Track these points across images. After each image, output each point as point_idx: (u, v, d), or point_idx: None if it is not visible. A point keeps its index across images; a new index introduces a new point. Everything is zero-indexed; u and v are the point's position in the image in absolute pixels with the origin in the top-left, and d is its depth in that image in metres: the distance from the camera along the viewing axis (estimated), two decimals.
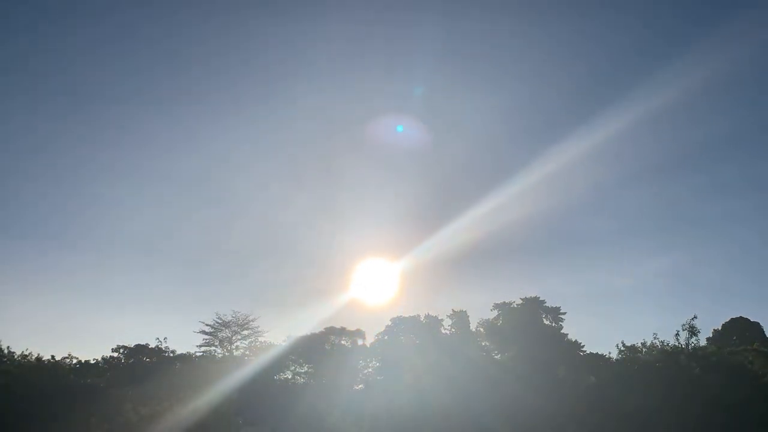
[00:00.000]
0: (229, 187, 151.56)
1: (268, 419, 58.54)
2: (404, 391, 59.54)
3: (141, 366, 63.67)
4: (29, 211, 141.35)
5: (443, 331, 69.92)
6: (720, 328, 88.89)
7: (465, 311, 71.55)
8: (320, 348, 69.25)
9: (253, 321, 75.21)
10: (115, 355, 65.92)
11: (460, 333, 69.96)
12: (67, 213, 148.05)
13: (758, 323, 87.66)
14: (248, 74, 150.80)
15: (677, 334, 61.46)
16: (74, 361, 59.89)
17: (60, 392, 49.85)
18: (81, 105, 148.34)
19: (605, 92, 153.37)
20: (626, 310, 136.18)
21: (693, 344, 61.21)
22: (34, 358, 56.46)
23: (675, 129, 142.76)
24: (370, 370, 68.88)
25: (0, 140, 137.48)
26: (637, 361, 60.85)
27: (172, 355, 66.87)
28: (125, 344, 66.74)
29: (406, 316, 70.73)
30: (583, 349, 68.71)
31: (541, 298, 71.43)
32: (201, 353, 71.47)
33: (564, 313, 71.00)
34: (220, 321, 74.58)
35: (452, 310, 71.61)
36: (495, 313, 71.68)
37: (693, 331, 61.09)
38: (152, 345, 66.91)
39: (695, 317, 61.67)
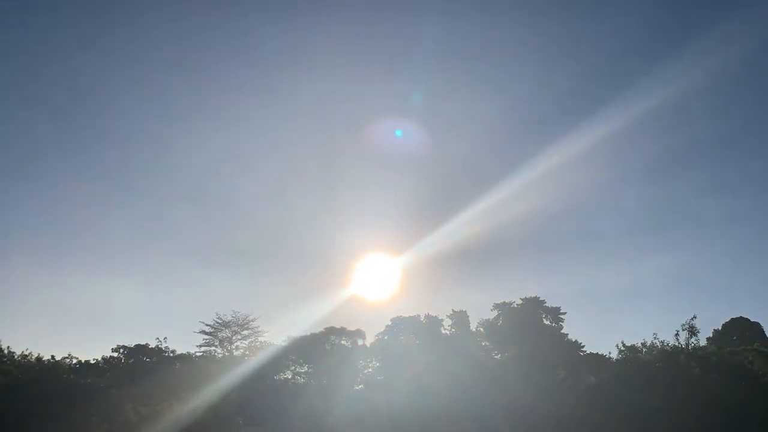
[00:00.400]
0: (229, 186, 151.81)
1: (268, 419, 58.51)
2: (404, 392, 59.51)
3: (141, 366, 63.68)
4: (29, 211, 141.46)
5: (443, 331, 69.94)
6: (720, 328, 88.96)
7: (465, 311, 71.66)
8: (320, 348, 69.22)
9: (253, 321, 75.37)
10: (115, 355, 65.95)
11: (460, 333, 70.00)
12: (67, 213, 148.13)
13: (758, 323, 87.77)
14: (248, 73, 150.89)
15: (677, 334, 61.48)
16: (74, 361, 59.88)
17: (60, 392, 49.78)
18: (80, 103, 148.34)
19: (603, 91, 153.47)
20: (626, 310, 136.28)
21: (693, 344, 61.20)
22: (34, 358, 56.44)
23: (673, 127, 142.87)
24: (370, 370, 68.85)
25: (0, 140, 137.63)
26: (637, 361, 60.81)
27: (172, 355, 66.87)
28: (125, 344, 66.82)
29: (406, 316, 70.82)
30: (583, 349, 68.78)
31: (541, 298, 71.56)
32: (201, 353, 71.59)
33: (564, 313, 71.10)
34: (220, 321, 74.72)
35: (452, 310, 71.76)
36: (495, 313, 71.77)
37: (693, 331, 61.08)
38: (152, 345, 66.97)
39: (695, 317, 61.69)
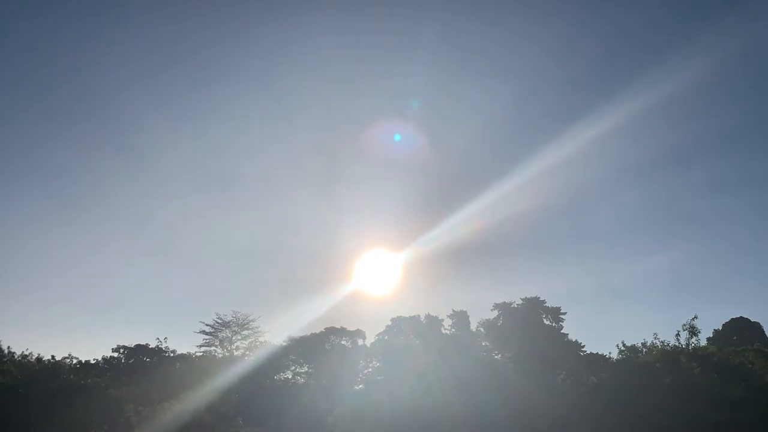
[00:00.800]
0: (230, 186, 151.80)
1: (268, 419, 58.50)
2: (405, 391, 59.49)
3: (141, 366, 63.69)
4: (29, 211, 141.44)
5: (443, 331, 70.00)
6: (720, 328, 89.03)
7: (465, 311, 71.78)
8: (320, 348, 69.30)
9: (253, 321, 75.41)
10: (115, 355, 66.02)
11: (460, 333, 70.04)
12: (67, 212, 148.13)
13: (758, 323, 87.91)
14: (247, 72, 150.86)
15: (677, 334, 61.37)
16: (74, 361, 59.87)
17: (60, 392, 49.67)
18: (79, 102, 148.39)
19: (600, 90, 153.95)
20: (626, 310, 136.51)
21: (693, 344, 61.11)
22: (34, 358, 56.38)
23: (672, 125, 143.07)
24: (370, 370, 68.87)
25: (0, 139, 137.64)
26: (637, 361, 60.77)
27: (172, 355, 66.88)
28: (125, 344, 66.86)
29: (407, 315, 70.89)
30: (583, 349, 68.82)
31: (541, 298, 71.59)
32: (201, 353, 71.57)
33: (564, 313, 71.15)
34: (220, 321, 74.81)
35: (452, 309, 71.91)
36: (495, 313, 71.82)
37: (693, 331, 60.94)
38: (152, 345, 66.98)
39: (696, 317, 61.61)
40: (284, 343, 70.60)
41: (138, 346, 66.59)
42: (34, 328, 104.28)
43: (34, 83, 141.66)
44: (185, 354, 68.32)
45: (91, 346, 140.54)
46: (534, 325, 69.08)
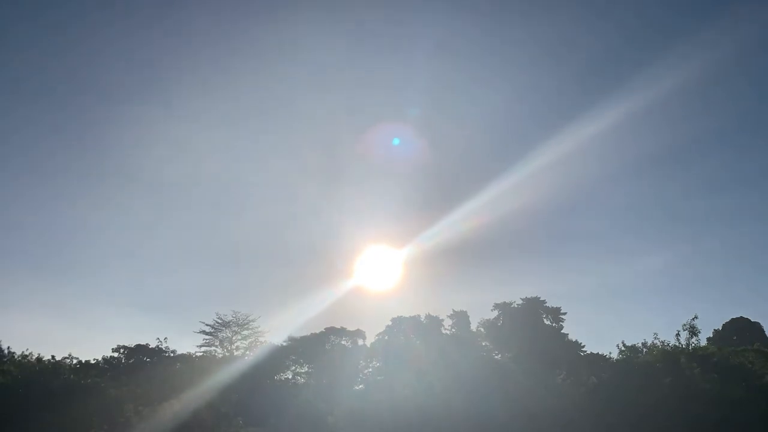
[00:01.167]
0: (229, 186, 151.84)
1: (268, 419, 58.46)
2: (405, 392, 59.50)
3: (141, 366, 63.60)
4: (29, 211, 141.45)
5: (444, 331, 70.01)
6: (720, 328, 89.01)
7: (465, 311, 71.85)
8: (320, 348, 69.26)
9: (253, 321, 75.36)
10: (115, 355, 65.90)
11: (460, 333, 70.06)
12: (67, 212, 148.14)
13: (758, 323, 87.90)
14: (247, 72, 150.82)
15: (678, 334, 61.40)
16: (74, 361, 59.80)
17: (60, 392, 49.68)
18: (79, 104, 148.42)
19: (597, 88, 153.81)
20: (626, 310, 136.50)
21: (693, 344, 61.11)
22: (34, 358, 56.36)
23: (671, 123, 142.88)
24: (370, 370, 68.86)
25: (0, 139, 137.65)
26: (638, 361, 60.79)
27: (172, 355, 66.77)
28: (125, 344, 66.76)
29: (407, 315, 70.90)
30: (584, 349, 68.84)
31: (541, 298, 71.62)
32: (201, 353, 71.50)
33: (564, 313, 71.22)
34: (220, 321, 74.76)
35: (452, 310, 71.97)
36: (495, 313, 71.88)
37: (693, 331, 60.95)
38: (152, 345, 66.89)
39: (696, 317, 61.62)
40: (284, 343, 70.58)
41: (138, 346, 66.50)
42: (34, 328, 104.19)
43: (32, 80, 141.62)
44: (185, 354, 68.24)
45: (91, 346, 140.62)
46: (534, 325, 69.11)
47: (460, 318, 71.17)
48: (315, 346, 69.10)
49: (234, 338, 74.94)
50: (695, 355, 59.70)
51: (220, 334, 74.54)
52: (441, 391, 58.25)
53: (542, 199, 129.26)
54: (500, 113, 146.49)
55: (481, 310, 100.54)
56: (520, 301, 71.46)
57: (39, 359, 56.39)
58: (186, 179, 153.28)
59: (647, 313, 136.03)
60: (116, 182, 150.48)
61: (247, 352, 72.49)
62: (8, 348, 61.22)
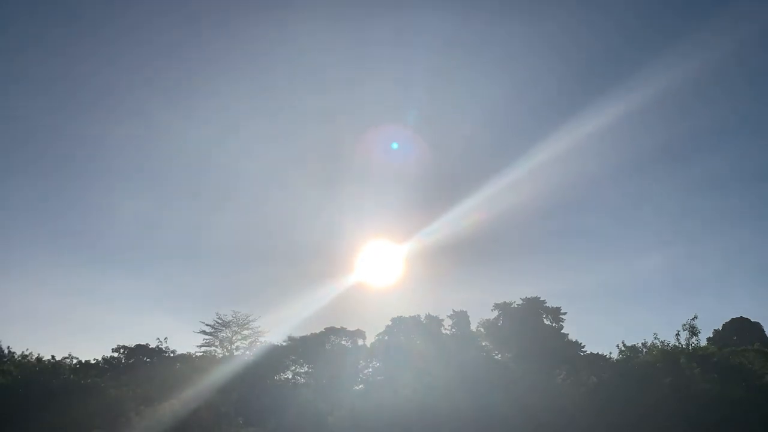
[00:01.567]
0: (229, 185, 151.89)
1: (268, 419, 58.45)
2: (405, 392, 59.51)
3: (141, 366, 63.57)
4: (29, 211, 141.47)
5: (444, 331, 70.00)
6: (720, 328, 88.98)
7: (465, 311, 71.81)
8: (320, 348, 69.23)
9: (253, 321, 75.30)
10: (115, 355, 65.84)
11: (460, 333, 70.05)
12: (67, 212, 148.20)
13: (758, 323, 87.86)
14: (246, 72, 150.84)
15: (678, 334, 61.49)
16: (74, 361, 59.83)
17: (60, 392, 49.72)
18: (78, 102, 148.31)
19: (597, 84, 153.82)
20: (626, 310, 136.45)
21: (693, 344, 61.17)
22: (34, 358, 56.38)
23: (671, 121, 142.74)
24: (370, 370, 68.85)
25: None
26: (638, 361, 60.83)
27: (172, 355, 66.73)
28: (125, 344, 66.72)
29: (407, 316, 70.89)
30: (584, 349, 68.86)
31: (541, 298, 71.64)
32: (201, 353, 71.45)
33: (564, 313, 71.25)
34: (220, 321, 74.65)
35: (452, 310, 71.93)
36: (495, 313, 71.90)
37: (693, 331, 61.06)
38: (152, 345, 66.85)
39: (696, 317, 61.71)
40: (284, 343, 70.56)
41: (138, 346, 66.43)
42: (34, 328, 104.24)
43: (28, 78, 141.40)
44: (185, 354, 68.18)
45: (91, 346, 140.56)
46: (534, 325, 69.13)
47: (460, 318, 71.16)
48: (315, 346, 69.07)
49: (234, 338, 74.87)
50: (695, 355, 59.76)
51: (220, 334, 74.47)
52: (441, 391, 58.26)
53: (541, 196, 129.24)
54: (500, 111, 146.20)
55: (481, 310, 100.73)
56: (520, 301, 71.50)
57: (39, 359, 56.44)
58: (186, 179, 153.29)
59: (647, 313, 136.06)
60: (116, 182, 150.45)
61: (247, 353, 72.46)
62: (8, 348, 61.23)
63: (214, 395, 55.32)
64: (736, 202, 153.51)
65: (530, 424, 54.52)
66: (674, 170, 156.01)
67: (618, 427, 53.52)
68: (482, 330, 71.42)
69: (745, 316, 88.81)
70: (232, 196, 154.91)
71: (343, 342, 70.41)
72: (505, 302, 71.68)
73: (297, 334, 71.37)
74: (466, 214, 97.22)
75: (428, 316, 70.34)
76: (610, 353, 65.34)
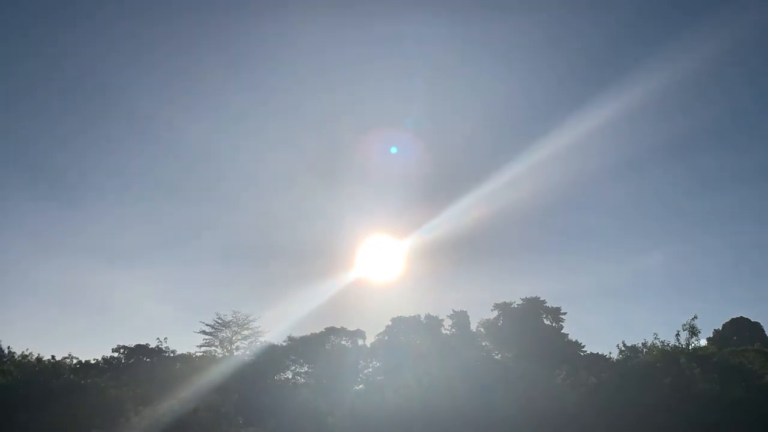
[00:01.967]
0: (229, 185, 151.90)
1: (268, 419, 58.45)
2: (405, 392, 59.52)
3: (141, 366, 63.57)
4: (29, 211, 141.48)
5: (444, 331, 70.00)
6: (720, 328, 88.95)
7: (465, 311, 71.78)
8: (320, 348, 69.21)
9: (253, 321, 75.31)
10: (115, 355, 65.79)
11: (460, 333, 70.04)
12: (66, 213, 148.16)
13: (758, 323, 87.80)
14: (246, 71, 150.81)
15: (678, 334, 61.53)
16: (74, 361, 59.84)
17: (60, 392, 49.78)
18: (78, 103, 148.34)
19: (596, 82, 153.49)
20: (626, 310, 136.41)
21: (693, 344, 61.22)
22: (34, 358, 56.43)
23: (671, 119, 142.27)
24: (370, 370, 68.84)
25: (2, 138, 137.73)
26: (638, 361, 60.86)
27: (172, 355, 66.71)
28: (125, 344, 66.68)
29: (407, 316, 70.89)
30: (584, 349, 68.81)
31: (541, 298, 71.61)
32: (201, 353, 71.46)
33: (564, 313, 71.17)
34: (220, 321, 74.65)
35: (452, 310, 71.90)
36: (495, 313, 71.85)
37: (693, 332, 61.11)
38: (152, 345, 66.83)
39: (696, 317, 61.75)
40: (284, 343, 70.56)
41: (138, 346, 66.38)
42: (34, 328, 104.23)
43: (27, 81, 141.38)
44: (185, 354, 68.17)
45: (91, 346, 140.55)
46: (534, 325, 69.10)
47: (460, 318, 71.15)
48: (315, 346, 69.04)
49: (234, 338, 74.88)
50: (695, 355, 59.78)
51: (220, 334, 74.47)
52: (441, 391, 58.27)
53: (540, 194, 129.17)
54: (499, 107, 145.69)
55: (481, 310, 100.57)
56: (520, 301, 71.45)
57: (39, 359, 56.50)
58: (186, 179, 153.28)
59: (647, 313, 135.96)
60: (117, 182, 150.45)
61: (247, 353, 72.45)
62: (8, 348, 61.25)
63: (214, 395, 55.34)
64: (737, 201, 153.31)
65: (530, 424, 54.51)
66: (675, 169, 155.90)
67: (618, 427, 53.52)
68: (482, 330, 71.40)
69: (745, 316, 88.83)
70: (232, 195, 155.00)
71: (343, 342, 70.39)
72: (505, 302, 71.65)
73: (297, 333, 71.43)
74: (466, 211, 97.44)
75: (428, 316, 70.36)
76: (610, 353, 65.50)
